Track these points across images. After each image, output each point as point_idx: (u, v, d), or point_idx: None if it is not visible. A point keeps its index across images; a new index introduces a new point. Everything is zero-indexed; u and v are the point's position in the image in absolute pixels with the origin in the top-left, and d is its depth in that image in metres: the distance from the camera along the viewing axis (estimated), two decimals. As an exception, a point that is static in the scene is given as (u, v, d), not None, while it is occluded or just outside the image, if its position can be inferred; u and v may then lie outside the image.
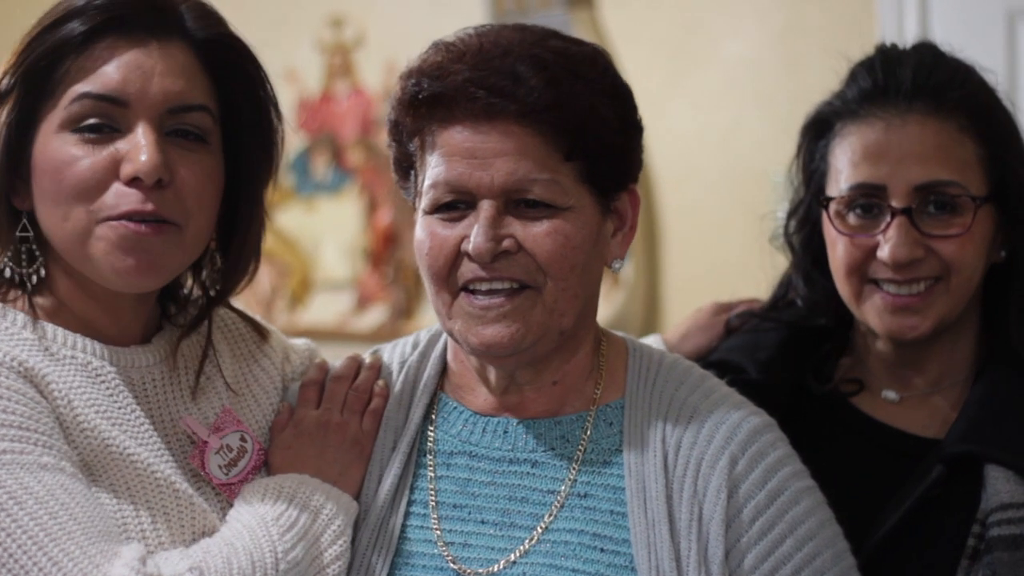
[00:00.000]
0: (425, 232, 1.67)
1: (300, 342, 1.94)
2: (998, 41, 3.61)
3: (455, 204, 1.65)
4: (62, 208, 1.62)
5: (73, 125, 1.62)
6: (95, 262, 1.63)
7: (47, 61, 1.62)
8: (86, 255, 1.63)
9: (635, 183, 1.74)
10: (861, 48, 2.02)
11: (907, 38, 2.24)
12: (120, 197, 1.61)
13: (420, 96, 1.64)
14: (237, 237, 1.73)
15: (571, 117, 1.62)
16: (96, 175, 1.61)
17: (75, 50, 1.62)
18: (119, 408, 1.65)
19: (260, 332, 1.86)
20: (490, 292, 1.65)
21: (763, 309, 2.12)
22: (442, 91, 1.62)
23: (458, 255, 1.65)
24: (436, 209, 1.66)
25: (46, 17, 1.65)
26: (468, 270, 1.65)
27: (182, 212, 1.64)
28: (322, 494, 1.69)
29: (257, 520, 1.64)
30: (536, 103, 1.60)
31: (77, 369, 1.64)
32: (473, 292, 1.66)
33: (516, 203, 1.64)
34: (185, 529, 1.63)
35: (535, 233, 1.63)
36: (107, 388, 1.65)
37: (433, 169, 1.65)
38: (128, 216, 1.61)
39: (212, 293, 1.77)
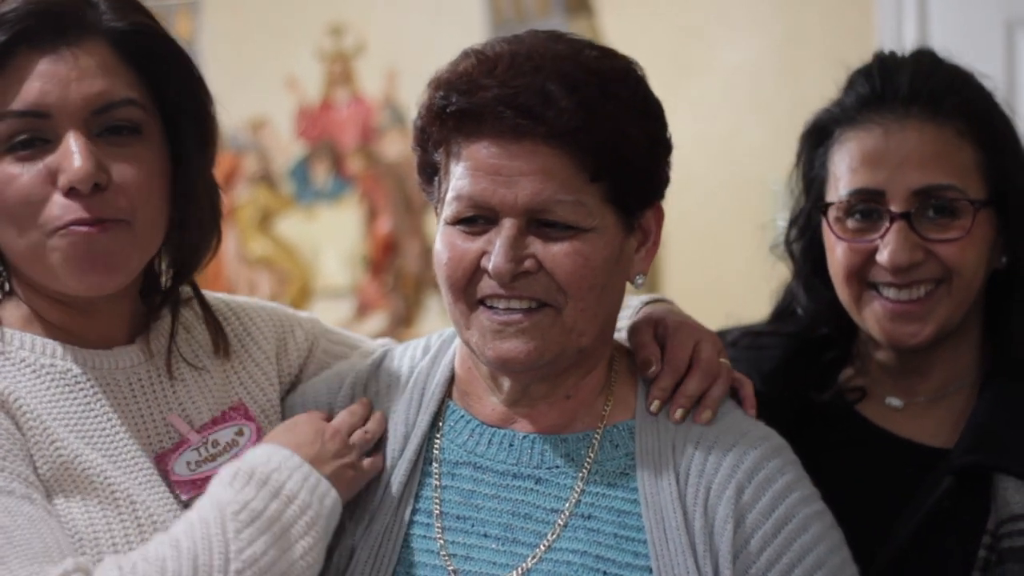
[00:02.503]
0: (445, 243, 1.65)
1: (304, 315, 1.91)
2: (997, 49, 3.62)
3: (476, 218, 1.63)
4: (12, 227, 1.62)
5: (5, 145, 1.61)
6: (55, 273, 1.62)
7: None
8: (45, 268, 1.63)
9: (661, 199, 1.72)
10: (860, 56, 2.02)
11: (906, 46, 2.24)
12: (62, 208, 1.60)
13: (448, 110, 1.62)
14: (191, 214, 1.71)
15: (599, 139, 1.60)
16: (35, 189, 1.60)
17: None
18: (95, 417, 1.64)
19: (220, 336, 1.80)
20: (508, 309, 1.63)
21: (765, 322, 2.12)
22: (470, 107, 1.60)
23: (477, 270, 1.63)
24: (458, 222, 1.65)
25: None
26: (487, 286, 1.63)
27: (127, 209, 1.63)
28: (299, 479, 1.63)
29: (215, 512, 1.57)
30: (565, 125, 1.58)
31: (54, 379, 1.64)
32: (492, 307, 1.64)
33: (538, 223, 1.62)
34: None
35: (555, 252, 1.61)
36: (84, 396, 1.64)
37: (457, 181, 1.63)
38: (73, 224, 1.60)
39: (174, 268, 1.75)
